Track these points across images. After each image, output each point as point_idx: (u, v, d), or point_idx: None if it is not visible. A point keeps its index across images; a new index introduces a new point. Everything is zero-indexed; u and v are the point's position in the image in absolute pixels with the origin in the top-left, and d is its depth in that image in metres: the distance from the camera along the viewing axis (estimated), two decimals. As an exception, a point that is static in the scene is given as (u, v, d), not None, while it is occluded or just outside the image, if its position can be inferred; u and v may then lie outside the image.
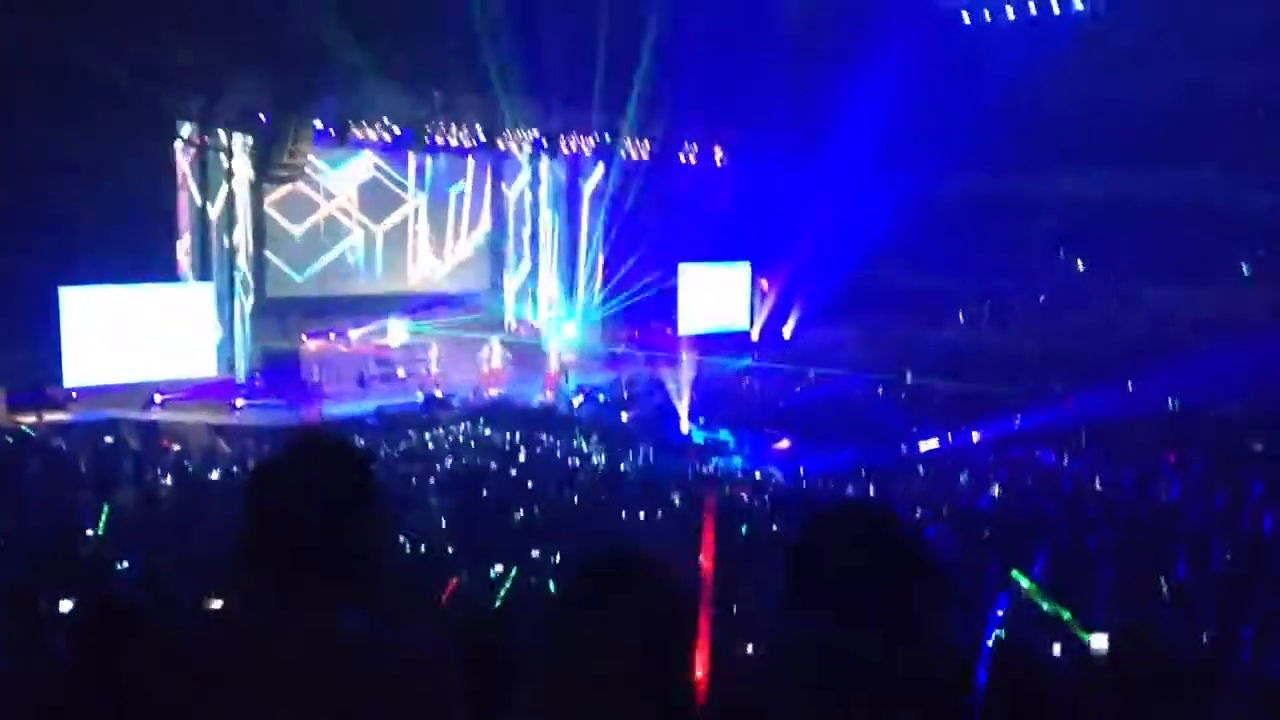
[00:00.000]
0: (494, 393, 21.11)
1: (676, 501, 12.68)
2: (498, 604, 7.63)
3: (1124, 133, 22.42)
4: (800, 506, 11.90)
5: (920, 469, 15.79)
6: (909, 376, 22.10)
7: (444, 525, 10.78)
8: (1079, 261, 26.04)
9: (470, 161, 24.26)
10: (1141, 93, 21.91)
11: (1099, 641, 5.35)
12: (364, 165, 22.75)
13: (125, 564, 7.94)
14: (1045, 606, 6.59)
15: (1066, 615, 6.26)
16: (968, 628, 6.87)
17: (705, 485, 13.40)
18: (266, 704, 1.78)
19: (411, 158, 23.22)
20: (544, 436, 17.80)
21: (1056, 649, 6.36)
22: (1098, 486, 13.95)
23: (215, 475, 13.65)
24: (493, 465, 14.97)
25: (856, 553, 1.64)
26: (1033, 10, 24.32)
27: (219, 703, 1.80)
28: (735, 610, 7.39)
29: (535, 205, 25.50)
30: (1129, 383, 19.15)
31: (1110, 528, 11.12)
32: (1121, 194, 22.43)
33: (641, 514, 12.00)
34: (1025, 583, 6.85)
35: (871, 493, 13.82)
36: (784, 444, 17.79)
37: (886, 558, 1.63)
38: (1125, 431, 17.28)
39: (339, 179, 22.44)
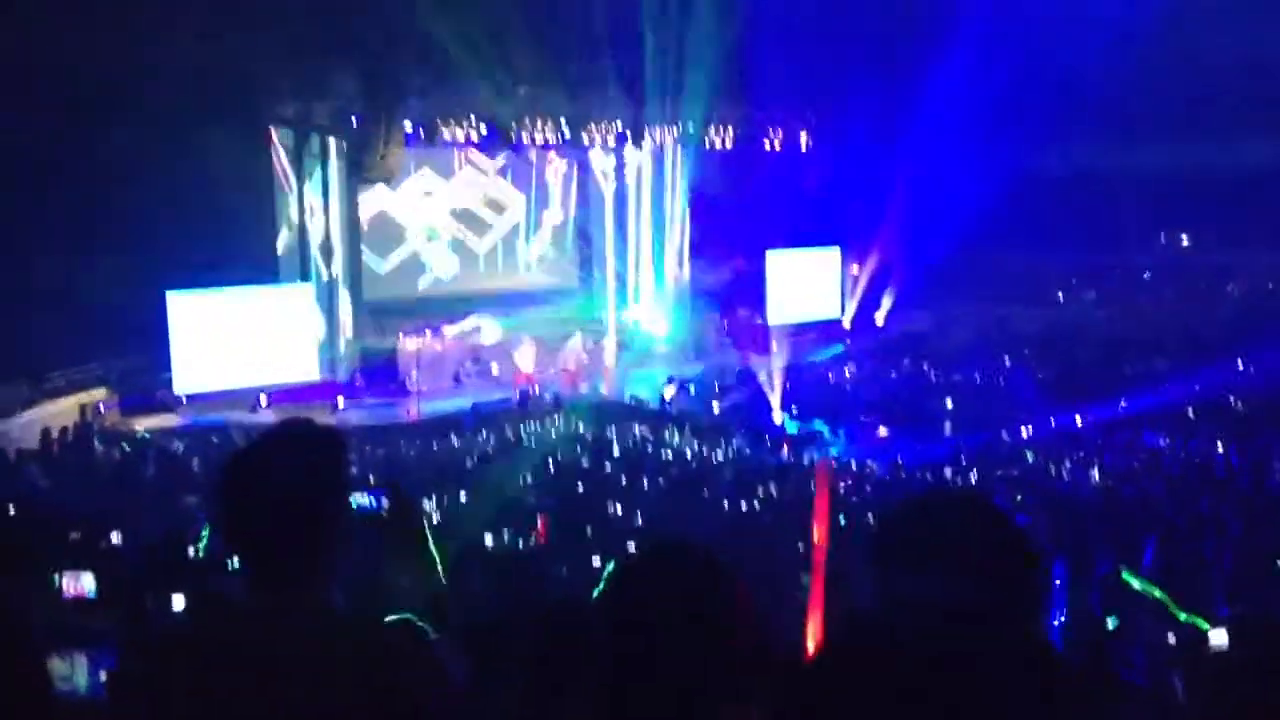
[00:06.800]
0: (584, 387, 21.22)
1: (774, 493, 12.60)
2: (595, 596, 7.67)
3: (1225, 99, 21.57)
4: (900, 497, 11.73)
5: (1023, 455, 15.44)
6: (1008, 360, 21.62)
7: (539, 520, 10.87)
8: (1182, 235, 25.21)
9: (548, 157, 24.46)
10: (1243, 56, 21.06)
11: (1218, 637, 5.16)
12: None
13: (236, 563, 8.17)
14: (1158, 595, 6.39)
15: (1183, 616, 6.05)
16: (1071, 616, 6.72)
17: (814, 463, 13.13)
18: (266, 684, 1.83)
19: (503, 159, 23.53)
20: (636, 429, 17.84)
21: (1171, 639, 6.18)
22: (1208, 468, 13.47)
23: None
24: (585, 460, 15.05)
25: (949, 540, 1.62)
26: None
27: (222, 686, 1.85)
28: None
29: (621, 199, 25.54)
30: (1237, 359, 18.47)
31: (1224, 511, 10.74)
32: (1223, 163, 21.59)
33: (743, 504, 11.97)
34: (1137, 583, 6.64)
35: (973, 480, 13.55)
36: (882, 432, 17.54)
37: (980, 547, 1.61)
38: (1235, 409, 16.67)
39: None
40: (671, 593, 1.72)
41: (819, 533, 6.18)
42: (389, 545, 2.30)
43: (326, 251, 21.12)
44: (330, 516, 1.99)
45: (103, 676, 4.03)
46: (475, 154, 23.29)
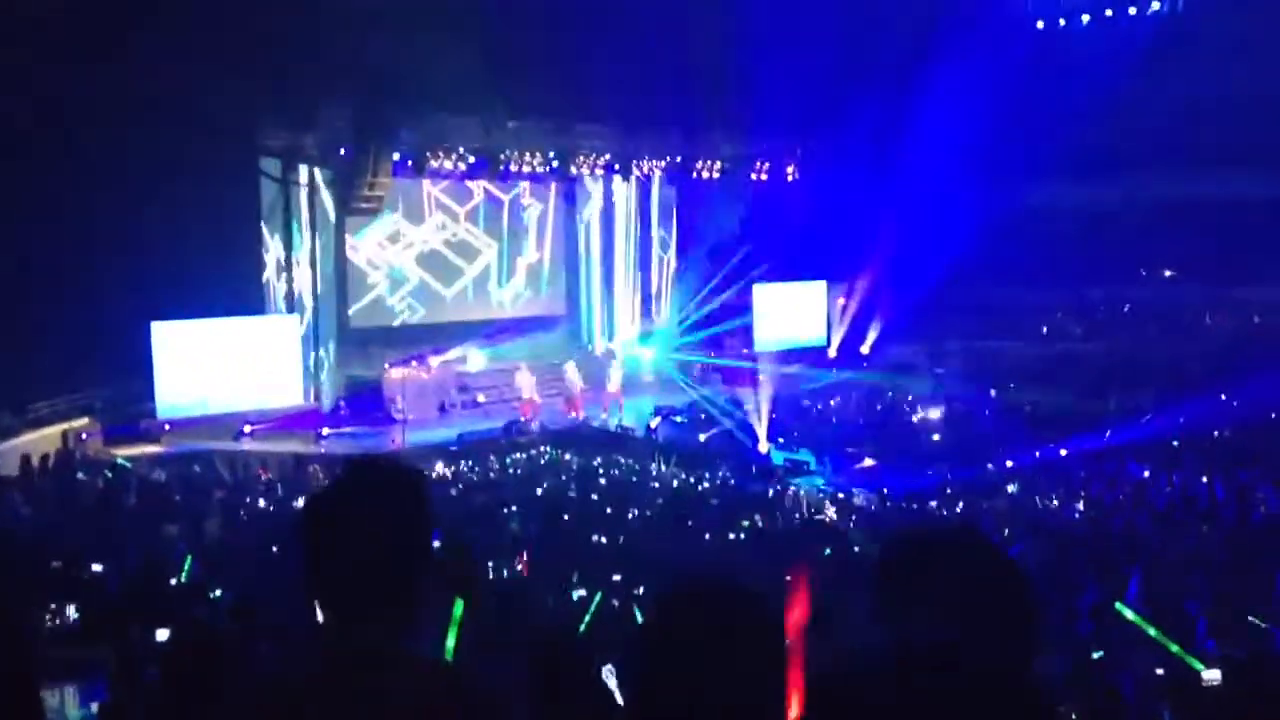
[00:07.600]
0: (572, 416, 21.15)
1: (760, 523, 12.58)
2: (583, 628, 7.62)
3: (1207, 133, 21.82)
4: (886, 528, 11.73)
5: (1008, 486, 15.46)
6: (993, 391, 21.70)
7: (524, 551, 10.80)
8: (1165, 270, 25.42)
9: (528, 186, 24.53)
10: (1224, 92, 21.33)
11: (1211, 675, 5.16)
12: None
13: (218, 593, 8.09)
14: (1152, 633, 6.37)
15: (1175, 648, 6.03)
16: (1058, 649, 6.69)
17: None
18: None
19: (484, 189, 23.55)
20: (622, 459, 17.80)
21: (1159, 671, 6.16)
22: (1193, 500, 13.51)
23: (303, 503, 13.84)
24: (571, 490, 15.00)
25: (948, 576, 1.64)
26: (1108, 12, 23.84)
27: None
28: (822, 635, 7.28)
29: (609, 228, 25.63)
30: (1222, 391, 18.58)
31: (1209, 543, 10.77)
32: (1206, 196, 21.83)
33: (731, 535, 11.94)
34: (1129, 614, 6.63)
35: (958, 511, 13.56)
36: (868, 463, 17.54)
37: (978, 582, 1.63)
38: (1219, 441, 16.74)
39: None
40: (717, 628, 1.70)
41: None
42: (440, 586, 2.28)
43: (312, 280, 21.06)
44: (414, 558, 1.93)
45: (94, 708, 3.98)
46: (446, 198, 23.28)
